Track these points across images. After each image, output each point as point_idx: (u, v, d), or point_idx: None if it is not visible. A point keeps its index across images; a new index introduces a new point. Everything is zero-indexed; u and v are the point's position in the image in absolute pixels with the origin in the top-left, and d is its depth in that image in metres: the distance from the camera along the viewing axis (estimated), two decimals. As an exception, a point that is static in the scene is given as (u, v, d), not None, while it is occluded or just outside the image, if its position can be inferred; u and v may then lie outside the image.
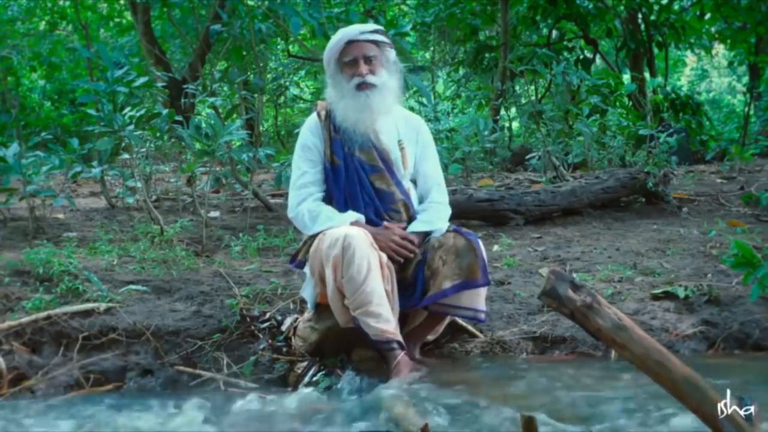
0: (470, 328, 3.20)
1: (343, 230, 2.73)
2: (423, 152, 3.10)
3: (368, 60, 2.93)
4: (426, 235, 2.95)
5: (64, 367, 2.91)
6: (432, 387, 2.60)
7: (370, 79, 2.90)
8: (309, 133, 3.02)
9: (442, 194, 3.09)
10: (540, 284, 3.09)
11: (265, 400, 2.69)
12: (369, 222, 2.91)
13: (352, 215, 2.87)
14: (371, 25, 3.05)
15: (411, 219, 3.00)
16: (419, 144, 3.09)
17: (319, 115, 3.02)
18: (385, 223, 2.90)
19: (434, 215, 3.00)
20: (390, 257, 2.82)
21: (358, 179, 2.94)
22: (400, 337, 2.75)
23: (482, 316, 2.90)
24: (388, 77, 2.96)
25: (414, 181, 3.10)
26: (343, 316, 2.81)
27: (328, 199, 2.98)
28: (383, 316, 2.71)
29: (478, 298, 2.86)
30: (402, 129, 3.06)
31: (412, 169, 3.06)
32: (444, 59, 14.33)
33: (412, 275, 2.87)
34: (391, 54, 3.03)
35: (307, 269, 2.98)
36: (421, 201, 3.08)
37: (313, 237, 2.90)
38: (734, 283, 3.50)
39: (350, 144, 2.96)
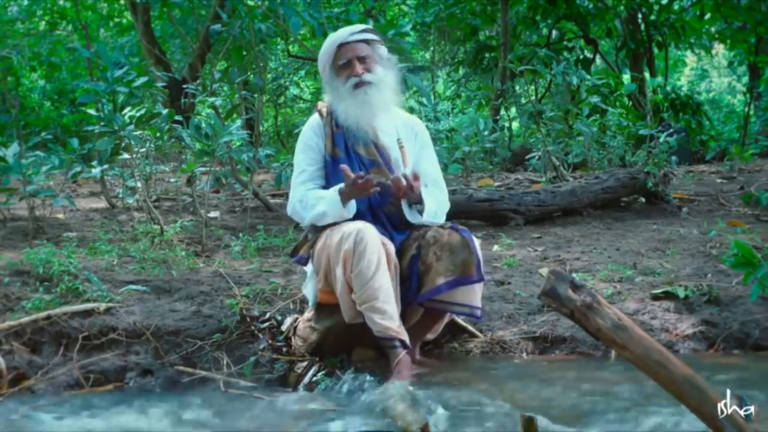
0: (470, 328, 3.20)
1: (355, 225, 2.74)
2: (421, 152, 3.12)
3: (362, 59, 2.96)
4: (419, 205, 2.92)
5: (64, 367, 2.91)
6: (432, 387, 2.60)
7: (367, 77, 2.93)
8: (310, 131, 3.05)
9: (441, 190, 3.10)
10: (540, 284, 3.09)
11: (265, 400, 2.69)
12: (367, 214, 2.91)
13: (336, 188, 2.84)
14: (359, 26, 3.09)
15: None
16: (418, 144, 3.12)
17: (320, 113, 3.05)
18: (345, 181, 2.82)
19: (430, 199, 2.97)
20: (365, 191, 2.77)
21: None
22: (404, 336, 2.75)
23: (478, 312, 2.90)
24: (384, 73, 2.99)
25: None
26: (350, 312, 2.81)
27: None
28: (388, 313, 2.71)
29: (474, 295, 2.87)
30: (401, 129, 3.09)
31: (411, 168, 3.06)
32: (444, 59, 14.33)
33: (406, 270, 2.88)
34: (383, 50, 3.06)
35: (309, 266, 2.99)
36: None
37: (317, 232, 2.91)
38: (734, 283, 3.50)
39: (351, 139, 2.98)
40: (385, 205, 2.96)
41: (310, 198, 2.92)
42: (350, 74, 2.95)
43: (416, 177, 2.83)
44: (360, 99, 2.93)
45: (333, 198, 2.85)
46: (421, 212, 2.94)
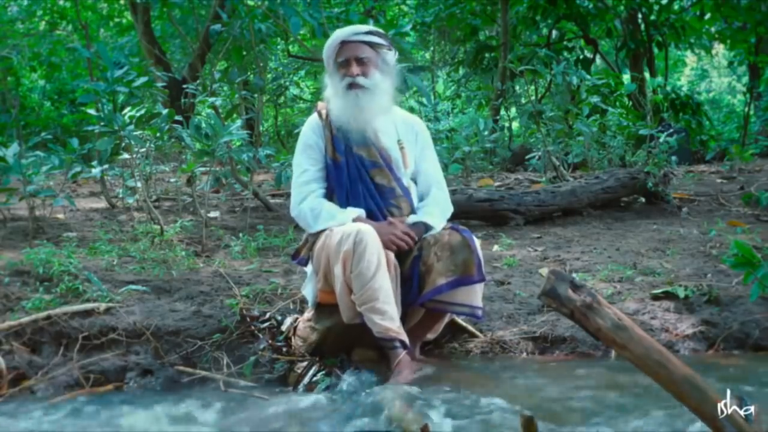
0: (470, 328, 3.20)
1: (355, 226, 2.75)
2: (422, 153, 3.12)
3: (360, 61, 2.95)
4: (426, 228, 2.95)
5: (64, 367, 2.91)
6: (432, 387, 2.60)
7: (360, 80, 2.93)
8: (310, 131, 3.05)
9: (443, 191, 3.11)
10: (540, 284, 3.09)
11: (265, 400, 2.69)
12: (370, 217, 2.92)
13: (353, 211, 2.89)
14: (366, 27, 3.07)
15: (411, 215, 3.01)
16: (418, 144, 3.11)
17: (319, 114, 3.05)
18: (389, 218, 2.91)
19: (435, 209, 3.01)
20: (387, 247, 2.82)
21: (358, 175, 2.96)
22: (403, 336, 2.75)
23: (479, 312, 2.91)
24: (381, 79, 2.97)
25: (414, 180, 3.11)
26: (349, 312, 2.81)
27: (329, 196, 2.99)
28: (388, 314, 2.71)
29: (475, 295, 2.87)
30: (401, 130, 3.08)
31: (412, 168, 3.07)
32: (444, 59, 14.33)
33: (408, 271, 2.88)
34: (388, 55, 3.03)
35: (309, 267, 2.99)
36: (421, 199, 3.09)
37: (316, 234, 2.91)
38: (734, 283, 3.50)
39: (349, 141, 2.98)
40: (387, 206, 2.96)
41: (324, 212, 2.90)
42: (346, 73, 2.95)
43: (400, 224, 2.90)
44: (351, 101, 2.93)
45: (346, 219, 2.85)
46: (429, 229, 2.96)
